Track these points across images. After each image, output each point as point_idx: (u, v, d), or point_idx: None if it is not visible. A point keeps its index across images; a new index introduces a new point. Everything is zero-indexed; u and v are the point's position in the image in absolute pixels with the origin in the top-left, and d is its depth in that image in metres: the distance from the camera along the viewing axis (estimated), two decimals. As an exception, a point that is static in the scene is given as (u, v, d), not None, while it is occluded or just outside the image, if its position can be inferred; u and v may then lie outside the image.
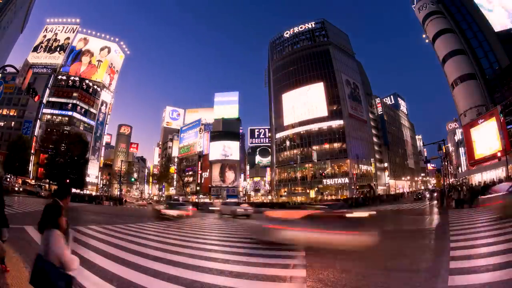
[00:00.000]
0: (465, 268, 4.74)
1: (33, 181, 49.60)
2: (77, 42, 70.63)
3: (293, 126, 64.38)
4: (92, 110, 69.03)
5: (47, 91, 58.76)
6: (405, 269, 5.16)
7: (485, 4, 42.99)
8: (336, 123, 58.91)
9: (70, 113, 63.59)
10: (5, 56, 55.69)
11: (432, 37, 49.68)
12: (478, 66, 41.72)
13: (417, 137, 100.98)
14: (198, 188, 74.32)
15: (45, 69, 61.24)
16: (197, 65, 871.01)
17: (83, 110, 66.48)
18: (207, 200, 63.66)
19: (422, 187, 77.65)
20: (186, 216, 19.12)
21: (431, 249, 7.17)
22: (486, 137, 33.85)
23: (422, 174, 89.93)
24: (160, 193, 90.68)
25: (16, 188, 33.89)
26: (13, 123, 54.69)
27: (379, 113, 74.37)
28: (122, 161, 66.53)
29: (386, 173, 67.11)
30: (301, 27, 70.92)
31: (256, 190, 77.99)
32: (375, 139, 67.42)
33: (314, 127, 60.97)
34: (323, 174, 56.12)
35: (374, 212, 15.19)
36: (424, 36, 53.92)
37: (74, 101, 64.50)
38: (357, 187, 53.33)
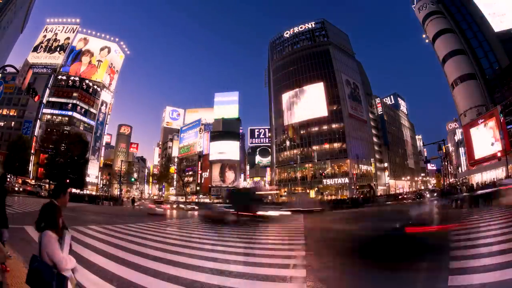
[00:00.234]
0: (465, 268, 4.74)
1: (33, 181, 49.59)
2: (77, 42, 70.62)
3: (293, 126, 64.39)
4: (92, 110, 69.03)
5: (47, 91, 58.74)
6: (406, 269, 5.15)
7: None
8: (336, 123, 58.92)
9: (70, 113, 63.57)
10: (5, 56, 55.66)
11: (432, 37, 49.65)
12: (478, 66, 41.69)
13: (417, 137, 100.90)
14: (198, 188, 74.37)
15: (45, 69, 61.23)
16: (197, 65, 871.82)
17: (83, 110, 66.48)
18: (207, 200, 63.70)
19: (422, 187, 77.66)
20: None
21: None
22: (486, 137, 33.86)
23: (422, 174, 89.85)
24: (160, 193, 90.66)
25: (16, 188, 33.87)
26: (13, 123, 54.67)
27: (379, 113, 74.35)
28: (122, 161, 66.45)
29: (386, 173, 67.09)
30: (301, 27, 70.93)
31: (256, 190, 77.89)
32: (375, 139, 67.41)
33: (314, 127, 60.97)
34: (323, 174, 56.11)
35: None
36: (424, 36, 53.89)
37: (74, 101, 64.49)
38: (357, 187, 53.32)
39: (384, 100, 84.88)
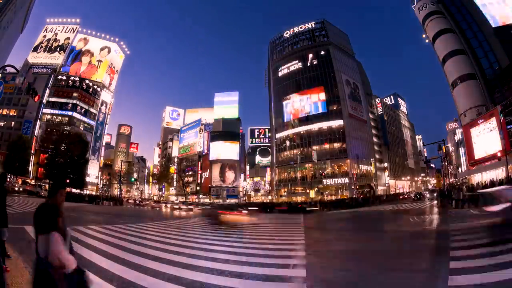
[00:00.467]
0: (466, 268, 4.74)
1: (33, 181, 49.56)
2: (77, 42, 70.63)
3: (293, 126, 64.40)
4: (92, 110, 69.04)
5: (47, 91, 58.71)
6: (406, 269, 5.15)
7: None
8: (336, 123, 58.90)
9: (70, 113, 63.58)
10: (5, 56, 55.62)
11: (432, 37, 49.60)
12: (478, 66, 41.65)
13: (417, 137, 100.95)
14: (198, 188, 74.35)
15: (45, 69, 61.19)
16: (197, 65, 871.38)
17: (83, 110, 66.48)
18: (207, 200, 63.71)
19: (422, 187, 77.72)
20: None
21: (431, 249, 7.17)
22: (486, 137, 33.85)
23: (422, 174, 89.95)
24: (160, 193, 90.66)
25: (16, 188, 33.92)
26: (13, 123, 54.65)
27: (379, 113, 74.37)
28: (122, 161, 66.52)
29: (386, 173, 67.12)
30: (301, 27, 70.93)
31: (256, 190, 77.98)
32: (375, 139, 67.42)
33: (314, 127, 60.98)
34: (323, 174, 56.12)
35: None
36: (424, 36, 53.82)
37: (74, 101, 64.50)
38: (357, 187, 53.35)
39: (384, 100, 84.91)
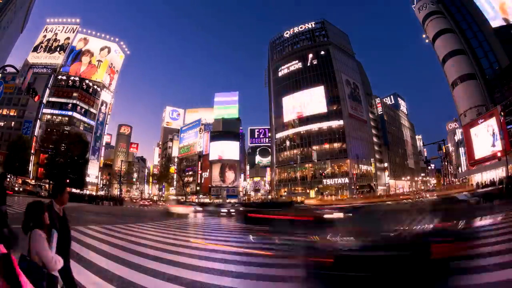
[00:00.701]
0: (466, 268, 4.73)
1: (33, 181, 49.58)
2: (77, 42, 70.60)
3: (293, 126, 64.37)
4: (92, 110, 69.02)
5: (47, 91, 58.69)
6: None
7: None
8: (336, 123, 58.89)
9: (70, 113, 63.56)
10: (5, 56, 55.59)
11: (432, 37, 49.59)
12: (478, 66, 41.63)
13: (417, 137, 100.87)
14: (198, 188, 74.39)
15: (45, 69, 61.18)
16: (197, 65, 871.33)
17: (83, 110, 66.46)
18: (207, 200, 63.69)
19: (422, 187, 77.61)
20: None
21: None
22: (486, 137, 33.83)
23: (422, 174, 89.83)
24: (160, 193, 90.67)
25: (16, 188, 33.90)
26: (13, 123, 54.63)
27: (379, 113, 74.32)
28: (122, 161, 66.64)
29: (386, 173, 67.07)
30: (301, 27, 70.91)
31: (256, 190, 77.98)
32: (375, 139, 67.39)
33: (314, 127, 60.95)
34: (323, 174, 56.09)
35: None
36: (424, 36, 53.81)
37: (74, 101, 64.48)
38: (357, 187, 53.32)
39: (384, 100, 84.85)
